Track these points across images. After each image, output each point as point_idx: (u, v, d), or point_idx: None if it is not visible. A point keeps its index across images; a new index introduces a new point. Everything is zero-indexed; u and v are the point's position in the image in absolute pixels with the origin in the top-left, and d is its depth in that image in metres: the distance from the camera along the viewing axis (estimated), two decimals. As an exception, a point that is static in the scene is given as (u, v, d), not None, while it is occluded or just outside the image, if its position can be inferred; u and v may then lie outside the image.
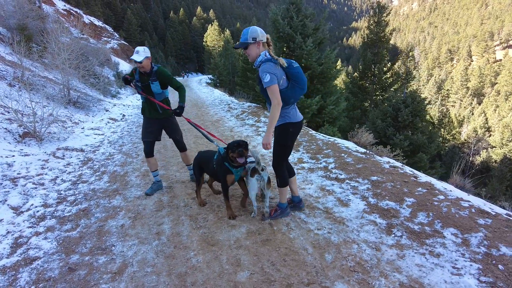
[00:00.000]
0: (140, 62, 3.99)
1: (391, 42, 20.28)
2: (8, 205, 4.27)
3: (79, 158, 6.63)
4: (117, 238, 3.28)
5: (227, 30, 60.45)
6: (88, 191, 4.72)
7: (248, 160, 3.36)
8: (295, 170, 3.75)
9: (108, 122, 11.22)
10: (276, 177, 3.18)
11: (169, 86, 4.35)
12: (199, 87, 27.83)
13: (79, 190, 4.82)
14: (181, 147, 4.68)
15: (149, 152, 4.39)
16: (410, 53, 20.71)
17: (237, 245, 2.94)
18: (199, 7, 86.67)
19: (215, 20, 70.66)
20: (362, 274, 2.40)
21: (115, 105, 16.04)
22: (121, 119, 12.20)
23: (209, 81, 36.67)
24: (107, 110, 13.79)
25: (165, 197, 4.24)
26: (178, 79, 45.66)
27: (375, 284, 2.29)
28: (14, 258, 3.08)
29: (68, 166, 6.10)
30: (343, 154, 5.06)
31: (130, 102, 18.04)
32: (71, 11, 42.12)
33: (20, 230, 3.65)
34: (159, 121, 4.40)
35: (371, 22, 19.46)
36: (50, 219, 3.91)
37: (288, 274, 2.47)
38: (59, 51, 12.83)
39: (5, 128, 7.40)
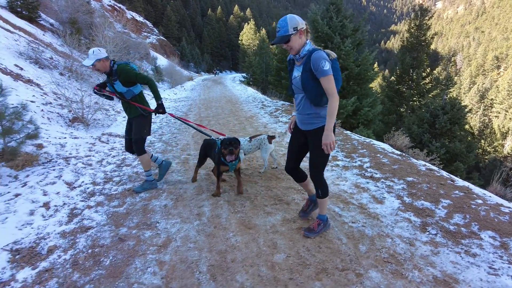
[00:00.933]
0: (92, 66, 3.87)
1: (432, 46, 19.62)
2: (63, 180, 4.68)
3: (122, 144, 7.05)
4: (161, 216, 3.53)
5: (263, 29, 60.79)
6: (132, 174, 5.06)
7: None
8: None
9: (149, 113, 11.73)
10: (317, 187, 2.83)
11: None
12: (233, 85, 28.24)
13: (124, 172, 5.18)
14: (135, 149, 4.30)
15: (127, 149, 4.55)
16: (452, 59, 19.93)
17: (273, 230, 3.09)
18: (236, 6, 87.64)
19: (251, 19, 71.25)
20: (395, 265, 2.48)
21: (152, 98, 16.70)
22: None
23: (243, 79, 37.13)
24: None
25: (204, 183, 4.47)
26: (209, 76, 46.55)
27: (408, 275, 2.36)
28: (71, 226, 3.42)
29: (112, 150, 6.52)
30: (378, 155, 5.08)
31: (168, 95, 18.69)
32: (115, 6, 43.98)
33: (74, 203, 4.02)
34: (129, 120, 4.39)
35: (412, 25, 18.94)
36: (98, 195, 4.26)
37: (323, 259, 2.59)
38: (105, 43, 13.58)
39: (58, 113, 8.00)
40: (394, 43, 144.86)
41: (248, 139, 4.74)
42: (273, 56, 44.82)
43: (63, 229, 3.35)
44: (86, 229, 3.34)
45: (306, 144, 2.88)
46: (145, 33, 49.79)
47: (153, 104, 4.45)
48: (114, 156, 6.06)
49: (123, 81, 4.00)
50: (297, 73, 2.65)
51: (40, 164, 5.32)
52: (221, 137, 4.04)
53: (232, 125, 8.72)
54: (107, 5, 41.38)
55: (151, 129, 4.64)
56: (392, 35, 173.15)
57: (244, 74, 40.11)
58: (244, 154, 4.73)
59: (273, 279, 2.39)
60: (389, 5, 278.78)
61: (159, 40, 52.50)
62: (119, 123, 9.13)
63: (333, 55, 2.56)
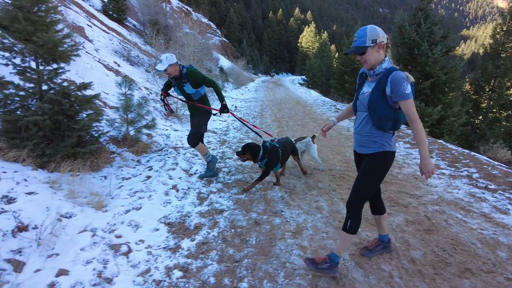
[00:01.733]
0: (165, 71, 4.24)
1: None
2: (180, 167, 5.25)
3: (216, 139, 7.62)
4: (283, 206, 3.86)
5: (325, 32, 60.18)
6: (238, 166, 5.50)
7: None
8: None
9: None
10: (348, 218, 2.46)
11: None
12: (294, 87, 28.44)
13: (229, 164, 5.63)
14: (190, 140, 4.70)
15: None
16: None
17: (400, 229, 3.25)
18: (297, 8, 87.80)
19: (312, 22, 70.90)
20: (545, 275, 2.51)
21: (225, 97, 17.50)
22: (234, 110, 13.34)
23: (302, 81, 37.18)
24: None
25: (309, 180, 4.74)
26: (266, 78, 47.14)
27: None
28: (204, 207, 3.88)
29: (209, 143, 7.07)
30: (485, 166, 4.96)
31: (235, 96, 19.44)
32: (183, 8, 46.40)
33: (197, 188, 4.52)
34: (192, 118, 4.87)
35: (498, 30, 17.59)
36: (215, 183, 4.72)
37: (463, 260, 2.69)
38: (188, 44, 14.57)
39: (153, 106, 8.82)
40: (464, 49, 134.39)
41: (293, 141, 5.04)
42: (335, 59, 44.22)
43: (199, 209, 3.81)
44: (220, 211, 3.77)
45: None
46: (209, 34, 51.78)
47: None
48: (213, 149, 6.59)
49: (192, 83, 4.38)
50: (367, 89, 2.40)
51: (154, 152, 6.00)
52: (269, 138, 4.71)
53: (311, 127, 8.93)
54: (176, 7, 43.77)
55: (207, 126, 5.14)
56: (462, 41, 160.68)
57: (303, 77, 40.15)
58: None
59: (418, 272, 2.56)
60: (461, 8, 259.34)
61: (221, 41, 54.35)
62: (210, 120, 9.79)
63: (412, 78, 2.30)
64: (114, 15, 19.65)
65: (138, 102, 5.80)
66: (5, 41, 4.35)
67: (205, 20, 55.53)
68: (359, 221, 2.46)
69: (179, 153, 5.93)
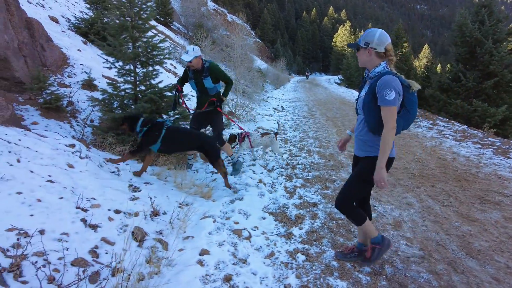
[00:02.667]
0: (190, 62, 4.25)
1: None
2: (258, 163, 5.56)
3: (278, 137, 7.88)
4: (374, 201, 4.03)
5: (362, 31, 58.94)
6: (311, 163, 5.72)
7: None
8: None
9: (274, 111, 12.68)
10: (347, 217, 2.62)
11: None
12: (333, 87, 28.31)
13: (300, 162, 5.87)
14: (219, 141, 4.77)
15: None
16: None
17: (500, 225, 3.34)
18: (331, 7, 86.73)
19: (347, 21, 69.74)
20: None
21: (268, 97, 17.84)
22: (282, 110, 13.59)
23: (338, 81, 36.81)
24: (266, 101, 15.51)
25: (390, 177, 4.87)
26: (301, 78, 46.96)
27: None
28: (297, 200, 4.13)
29: (273, 142, 7.34)
30: None
31: (277, 96, 19.69)
32: (218, 10, 47.27)
33: (281, 182, 4.79)
34: (200, 114, 4.68)
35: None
36: (296, 178, 4.97)
37: None
38: (236, 46, 14.99)
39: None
40: None
41: (260, 135, 5.64)
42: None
43: (293, 202, 4.08)
44: (313, 204, 4.01)
45: None
46: (244, 36, 52.13)
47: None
48: (280, 147, 6.86)
49: (213, 78, 4.46)
50: (363, 92, 2.40)
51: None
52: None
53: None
54: (212, 9, 44.69)
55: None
56: None
57: (339, 76, 39.73)
58: (252, 147, 5.62)
59: (534, 265, 2.66)
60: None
61: (255, 42, 54.72)
62: (259, 119, 10.13)
63: (416, 87, 2.24)
64: (161, 18, 20.55)
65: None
66: (111, 47, 4.85)
67: (240, 21, 56.15)
68: (359, 212, 2.56)
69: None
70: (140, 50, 4.89)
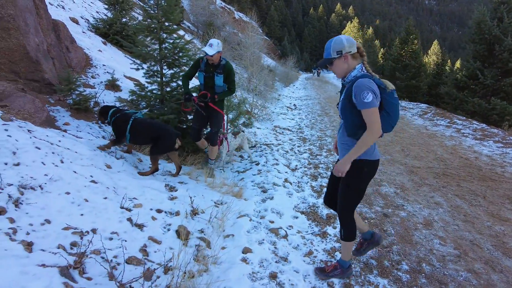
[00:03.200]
0: (211, 56, 4.15)
1: None
2: (281, 163, 5.62)
3: (295, 136, 7.94)
4: (402, 201, 4.09)
5: (371, 28, 58.61)
6: (333, 162, 5.77)
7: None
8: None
9: (288, 110, 12.73)
10: (341, 226, 2.54)
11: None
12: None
13: (322, 161, 5.92)
14: (212, 139, 4.74)
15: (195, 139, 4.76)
16: None
17: (534, 224, 3.38)
18: (338, 4, 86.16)
19: (355, 17, 69.23)
20: None
21: (279, 95, 17.87)
22: (295, 108, 13.63)
23: (347, 78, 36.59)
24: (278, 99, 15.56)
25: (415, 177, 4.91)
26: (309, 75, 46.76)
27: None
28: (322, 200, 4.20)
29: (291, 140, 7.42)
30: None
31: (287, 94, 19.71)
32: (225, 7, 47.23)
33: (307, 181, 4.85)
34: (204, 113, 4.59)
35: None
36: (321, 178, 5.03)
37: None
38: (249, 45, 15.05)
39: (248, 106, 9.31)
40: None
41: (233, 136, 5.35)
42: (380, 55, 42.98)
43: (322, 201, 4.13)
44: (342, 203, 4.07)
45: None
46: (251, 33, 52.04)
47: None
48: (299, 146, 6.93)
49: (226, 77, 4.40)
50: (342, 96, 2.35)
51: (250, 148, 6.43)
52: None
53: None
54: (219, 6, 44.64)
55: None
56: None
57: (348, 74, 39.51)
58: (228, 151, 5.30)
59: None
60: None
61: (263, 40, 54.47)
62: (275, 118, 10.20)
63: (391, 87, 2.22)
64: (172, 17, 20.65)
65: (238, 102, 6.26)
66: (138, 49, 4.95)
67: (246, 19, 56.04)
68: (352, 228, 2.50)
69: (272, 149, 6.32)
70: (166, 51, 4.98)
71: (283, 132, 8.13)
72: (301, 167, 5.51)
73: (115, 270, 2.21)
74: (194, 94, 4.70)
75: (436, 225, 3.46)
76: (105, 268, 2.13)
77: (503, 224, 3.41)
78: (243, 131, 5.72)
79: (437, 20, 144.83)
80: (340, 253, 2.84)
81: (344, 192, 2.44)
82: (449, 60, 45.07)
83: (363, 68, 2.27)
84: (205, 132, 5.00)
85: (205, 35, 17.83)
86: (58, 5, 8.59)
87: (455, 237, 3.21)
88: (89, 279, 2.06)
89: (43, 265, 1.97)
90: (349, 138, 2.33)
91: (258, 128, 8.07)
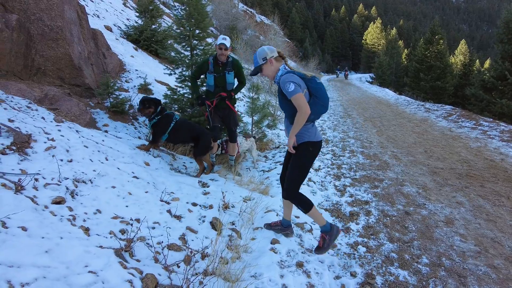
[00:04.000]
0: (227, 48, 4.19)
1: None
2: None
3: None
4: (424, 200, 4.20)
5: (394, 29, 57.58)
6: (357, 163, 5.91)
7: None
8: None
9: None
10: (297, 205, 2.90)
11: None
12: (366, 86, 27.91)
13: (345, 162, 6.07)
14: (233, 137, 4.90)
15: None
16: None
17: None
18: (361, 5, 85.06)
19: (378, 18, 68.22)
20: None
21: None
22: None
23: (370, 79, 36.21)
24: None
25: (437, 178, 4.99)
26: (331, 77, 46.46)
27: None
28: (348, 198, 4.36)
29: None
30: None
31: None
32: (247, 11, 47.70)
33: (330, 181, 5.03)
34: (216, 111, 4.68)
35: None
36: (344, 178, 5.20)
37: None
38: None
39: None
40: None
41: (244, 138, 5.40)
42: (404, 56, 42.15)
43: (345, 200, 4.32)
44: (365, 202, 4.23)
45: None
46: (272, 36, 52.35)
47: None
48: (323, 147, 7.09)
49: (235, 74, 4.48)
50: (278, 93, 2.88)
51: (274, 148, 6.67)
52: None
53: (409, 127, 8.99)
54: (241, 10, 45.11)
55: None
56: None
57: (371, 74, 39.05)
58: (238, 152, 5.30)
59: None
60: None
61: (284, 42, 54.63)
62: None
63: (310, 74, 2.72)
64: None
65: (262, 104, 6.52)
66: (172, 55, 5.30)
67: (268, 21, 56.33)
68: (304, 200, 2.87)
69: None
70: (197, 57, 5.31)
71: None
72: (324, 167, 5.69)
73: (158, 255, 2.48)
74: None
75: (457, 223, 3.56)
76: (151, 252, 2.42)
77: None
78: (254, 137, 5.85)
79: (465, 18, 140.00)
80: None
81: (296, 171, 2.85)
82: (477, 60, 43.63)
83: (286, 67, 2.80)
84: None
85: (235, 40, 18.26)
86: (94, 14, 9.17)
87: (476, 234, 3.31)
88: (138, 261, 2.35)
89: (101, 247, 2.28)
90: (291, 124, 2.78)
91: (281, 129, 8.30)
